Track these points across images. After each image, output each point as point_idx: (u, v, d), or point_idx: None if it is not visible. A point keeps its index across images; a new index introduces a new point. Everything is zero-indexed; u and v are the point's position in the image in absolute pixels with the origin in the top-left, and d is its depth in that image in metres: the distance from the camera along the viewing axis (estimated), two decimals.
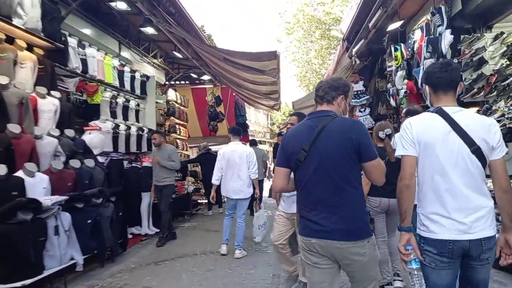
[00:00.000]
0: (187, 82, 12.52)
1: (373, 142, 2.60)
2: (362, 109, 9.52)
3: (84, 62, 6.20)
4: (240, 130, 5.80)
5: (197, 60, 8.85)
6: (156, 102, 9.65)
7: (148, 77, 8.79)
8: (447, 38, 4.39)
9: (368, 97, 9.60)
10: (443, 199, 1.90)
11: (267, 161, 9.87)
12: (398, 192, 1.96)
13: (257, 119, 35.29)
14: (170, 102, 10.69)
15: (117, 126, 6.93)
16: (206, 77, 11.62)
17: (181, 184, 8.00)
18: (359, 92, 9.54)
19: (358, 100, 9.53)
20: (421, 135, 1.94)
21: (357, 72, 9.57)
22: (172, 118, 10.65)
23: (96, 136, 5.28)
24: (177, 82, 12.42)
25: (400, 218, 1.97)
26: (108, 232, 4.72)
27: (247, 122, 12.58)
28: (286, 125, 17.53)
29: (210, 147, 9.59)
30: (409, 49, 6.05)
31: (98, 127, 5.77)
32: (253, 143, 9.59)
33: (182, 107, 11.58)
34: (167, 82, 10.48)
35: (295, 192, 2.26)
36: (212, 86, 12.19)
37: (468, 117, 1.94)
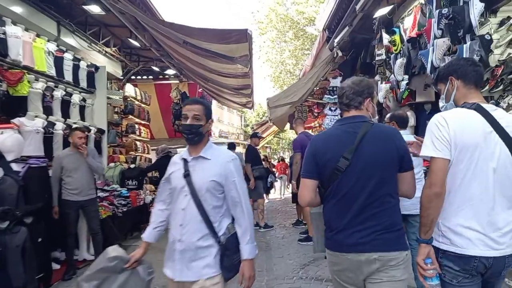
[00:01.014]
0: (150, 77, 11.21)
1: None
2: (333, 108, 8.60)
3: (3, 42, 4.87)
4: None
5: (158, 50, 7.62)
6: (109, 98, 8.33)
7: (97, 68, 7.47)
8: (476, 6, 3.40)
9: None
10: (474, 210, 1.71)
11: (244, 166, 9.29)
12: (425, 200, 1.74)
13: (230, 120, 34.40)
14: (128, 99, 9.37)
15: (51, 124, 5.61)
16: (170, 72, 10.36)
17: (135, 194, 6.74)
18: (335, 89, 8.62)
19: (331, 97, 8.60)
20: (460, 136, 1.70)
21: (336, 68, 8.66)
22: (130, 116, 9.33)
23: (10, 137, 3.98)
24: (138, 77, 11.10)
25: (422, 229, 1.78)
26: (18, 267, 3.45)
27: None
28: (261, 125, 16.50)
29: (173, 149, 8.39)
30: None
31: (14, 125, 4.46)
32: (232, 147, 9.21)
33: (143, 105, 10.27)
34: (122, 77, 9.15)
35: None
36: (177, 82, 10.93)
37: (507, 117, 1.77)
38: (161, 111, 11.79)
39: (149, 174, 8.85)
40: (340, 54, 7.68)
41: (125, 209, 6.19)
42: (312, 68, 9.67)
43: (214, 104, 28.11)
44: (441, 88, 1.97)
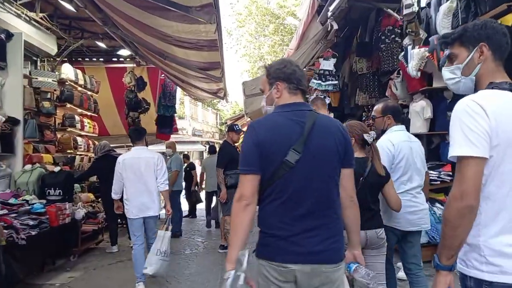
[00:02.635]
0: (100, 59, 9.19)
1: None
2: (322, 96, 6.93)
3: None
4: (143, 132, 4.62)
5: (103, 20, 5.71)
6: (35, 79, 6.33)
7: (10, 34, 5.47)
8: None
9: (336, 82, 7.05)
10: None
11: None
12: (455, 216, 1.28)
13: (205, 118, 32.66)
14: (66, 83, 7.36)
15: None
16: (125, 52, 8.41)
17: (57, 209, 4.79)
18: (326, 73, 6.95)
19: (322, 83, 6.92)
20: (504, 126, 1.28)
21: (329, 46, 7.01)
22: (68, 105, 7.32)
23: None
24: (86, 59, 9.06)
25: (445, 252, 1.35)
26: None
27: (177, 117, 9.28)
28: (237, 119, 14.64)
29: (125, 148, 6.52)
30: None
31: None
32: (212, 151, 8.23)
33: (89, 92, 8.26)
34: (55, 58, 7.11)
35: None
36: (133, 65, 8.96)
37: None
38: (115, 101, 9.76)
39: (93, 179, 6.88)
40: (335, 26, 6.02)
41: (34, 233, 4.25)
42: (298, 49, 7.97)
43: (187, 100, 26.47)
44: (458, 53, 1.49)
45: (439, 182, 4.79)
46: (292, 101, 1.77)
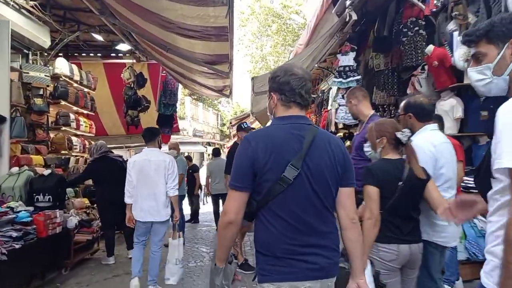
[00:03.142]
0: (98, 54, 8.65)
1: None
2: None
3: None
4: (156, 133, 4.33)
5: (99, 10, 5.19)
6: (26, 74, 5.80)
7: None
8: None
9: (359, 77, 6.51)
10: None
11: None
12: None
13: (205, 119, 32.21)
14: (61, 79, 6.83)
15: None
16: (124, 47, 7.87)
17: (46, 217, 4.25)
18: (347, 69, 6.40)
19: (343, 81, 6.38)
20: None
21: (346, 39, 6.48)
22: (63, 103, 6.78)
23: None
24: (83, 54, 8.52)
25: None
26: None
27: (178, 116, 8.71)
28: (241, 119, 14.06)
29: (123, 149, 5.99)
30: None
31: None
32: (216, 154, 7.94)
33: (85, 89, 7.72)
34: (48, 51, 6.56)
35: None
36: (133, 61, 8.41)
37: None
38: (114, 99, 9.22)
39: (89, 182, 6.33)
40: (354, 17, 5.49)
41: (18, 246, 3.72)
42: (309, 44, 7.44)
43: (187, 100, 25.92)
44: (486, 51, 1.34)
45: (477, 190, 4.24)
46: (288, 114, 1.68)
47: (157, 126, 6.74)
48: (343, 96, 6.46)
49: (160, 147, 4.32)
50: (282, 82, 1.65)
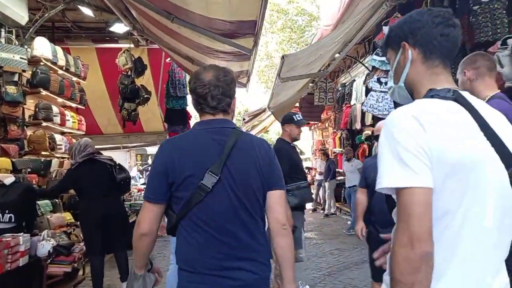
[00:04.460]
0: (90, 38, 7.33)
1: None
2: (383, 77, 5.07)
3: None
4: None
5: None
6: None
7: None
8: None
9: None
10: (465, 273, 0.99)
11: None
12: (407, 268, 0.93)
13: None
14: (41, 63, 5.53)
15: None
16: (120, 27, 6.58)
17: (4, 245, 2.94)
18: None
19: (383, 60, 5.05)
20: (444, 146, 0.98)
21: (396, 5, 5.16)
22: (44, 92, 5.49)
23: None
24: (72, 38, 7.22)
25: None
26: None
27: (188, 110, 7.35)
28: (254, 116, 12.72)
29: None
30: None
31: None
32: None
33: (73, 77, 6.42)
34: (26, 29, 5.23)
35: None
36: (131, 45, 7.07)
37: (491, 111, 1.10)
38: (109, 92, 7.92)
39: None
40: None
41: None
42: (341, 20, 6.12)
43: (189, 98, 24.68)
44: (390, 57, 1.25)
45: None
46: (207, 119, 1.61)
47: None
48: (378, 79, 5.17)
49: None
50: (191, 89, 1.63)
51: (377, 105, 5.01)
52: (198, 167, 1.48)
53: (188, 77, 7.93)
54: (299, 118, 3.68)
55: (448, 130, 1.00)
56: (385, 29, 5.14)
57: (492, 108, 1.13)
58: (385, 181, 0.99)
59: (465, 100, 1.06)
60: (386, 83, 4.98)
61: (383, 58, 4.92)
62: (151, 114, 7.54)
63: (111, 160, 3.95)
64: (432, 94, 1.09)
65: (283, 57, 4.44)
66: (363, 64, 9.32)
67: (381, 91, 4.99)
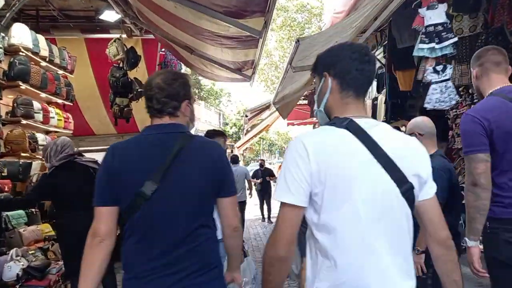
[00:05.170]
0: (78, 28, 6.66)
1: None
2: (439, 66, 4.41)
3: None
4: (213, 134, 3.56)
5: None
6: None
7: None
8: None
9: (455, 39, 4.49)
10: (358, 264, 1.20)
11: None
12: (266, 263, 1.26)
13: (207, 118, 30.53)
14: (20, 53, 4.87)
15: None
16: (111, 15, 5.93)
17: None
18: (439, 28, 4.41)
19: (436, 46, 4.34)
20: (326, 168, 1.20)
21: None
22: (23, 86, 4.83)
23: None
24: (59, 27, 6.56)
25: None
26: None
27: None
28: (259, 112, 12.12)
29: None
30: None
31: None
32: (235, 161, 7.83)
33: (59, 70, 5.76)
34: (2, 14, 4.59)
35: None
36: (123, 35, 6.40)
37: (390, 136, 1.29)
38: (99, 87, 7.22)
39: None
40: None
41: None
42: (353, 10, 5.47)
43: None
44: (316, 81, 1.41)
45: None
46: (156, 123, 1.61)
47: None
48: (434, 69, 4.52)
49: None
50: (143, 93, 1.69)
51: (442, 97, 4.41)
52: (138, 174, 1.47)
53: (186, 70, 7.29)
54: None
55: (329, 156, 1.20)
56: (421, 12, 4.50)
57: (394, 132, 1.30)
58: (275, 194, 1.25)
59: (357, 128, 1.23)
60: (442, 71, 4.32)
61: (432, 45, 4.26)
62: (146, 112, 6.88)
63: (96, 163, 3.29)
64: (332, 122, 1.30)
65: (298, 40, 3.79)
66: (374, 57, 8.69)
67: (442, 81, 4.38)
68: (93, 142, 8.50)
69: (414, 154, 1.28)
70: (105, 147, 8.64)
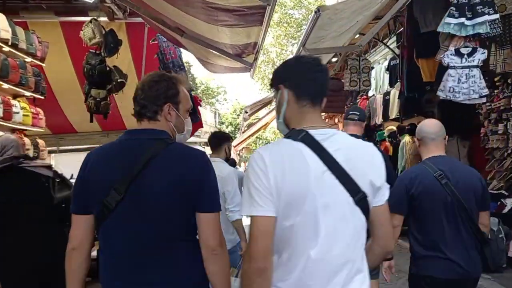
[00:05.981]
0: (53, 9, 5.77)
1: None
2: (465, 49, 3.63)
3: None
4: (222, 139, 3.51)
5: None
6: None
7: None
8: None
9: (496, 16, 3.72)
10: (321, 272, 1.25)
11: None
12: (245, 278, 1.24)
13: (203, 117, 29.76)
14: None
15: None
16: None
17: None
18: (474, 1, 3.66)
19: (467, 23, 3.59)
20: (282, 181, 1.24)
21: None
22: None
23: None
24: (29, 8, 5.67)
25: None
26: None
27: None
28: (259, 108, 11.27)
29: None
30: None
31: None
32: (232, 165, 7.11)
33: (26, 57, 4.89)
34: None
35: None
36: (103, 19, 5.52)
37: (346, 146, 1.32)
38: (79, 79, 6.34)
39: None
40: None
41: None
42: None
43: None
44: (274, 95, 1.47)
45: None
46: (136, 128, 1.55)
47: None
48: (457, 50, 3.71)
49: (228, 158, 3.47)
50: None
51: (459, 87, 3.57)
52: (105, 183, 1.40)
53: (185, 55, 6.41)
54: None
55: (284, 174, 1.23)
56: None
57: (350, 141, 1.35)
58: (242, 210, 1.27)
59: (312, 141, 1.27)
60: (469, 54, 3.53)
61: (461, 20, 3.46)
62: (131, 105, 6.03)
63: (49, 168, 2.43)
64: (288, 135, 1.34)
65: (318, 10, 2.95)
66: (387, 46, 7.88)
67: (463, 67, 3.56)
68: (75, 141, 7.68)
69: (368, 163, 1.31)
70: (89, 146, 7.83)
